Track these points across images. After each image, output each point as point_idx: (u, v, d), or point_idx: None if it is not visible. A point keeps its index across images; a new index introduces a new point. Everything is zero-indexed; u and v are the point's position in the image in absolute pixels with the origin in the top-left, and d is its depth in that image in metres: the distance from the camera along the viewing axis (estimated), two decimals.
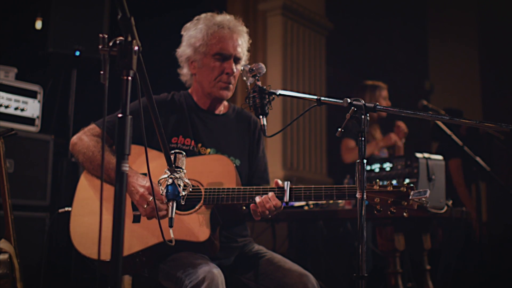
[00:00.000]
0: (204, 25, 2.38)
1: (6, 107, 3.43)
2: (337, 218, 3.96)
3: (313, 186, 2.14)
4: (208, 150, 2.39)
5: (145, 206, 2.10)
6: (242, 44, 2.41)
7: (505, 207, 5.37)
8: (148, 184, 2.12)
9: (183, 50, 2.43)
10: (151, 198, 2.09)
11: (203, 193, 2.17)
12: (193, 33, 2.40)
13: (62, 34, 3.69)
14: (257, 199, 2.12)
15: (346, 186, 2.12)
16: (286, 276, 2.19)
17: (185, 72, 2.48)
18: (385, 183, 2.07)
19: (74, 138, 2.33)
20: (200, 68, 2.40)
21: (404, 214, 1.99)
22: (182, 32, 2.46)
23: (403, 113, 1.94)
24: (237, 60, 2.40)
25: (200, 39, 2.36)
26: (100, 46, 1.36)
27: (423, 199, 1.96)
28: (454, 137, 4.00)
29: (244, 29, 2.45)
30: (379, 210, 2.02)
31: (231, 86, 2.41)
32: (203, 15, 2.44)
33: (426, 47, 8.32)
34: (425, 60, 8.31)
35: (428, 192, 1.95)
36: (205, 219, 2.14)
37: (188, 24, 2.45)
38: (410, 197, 1.98)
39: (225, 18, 2.41)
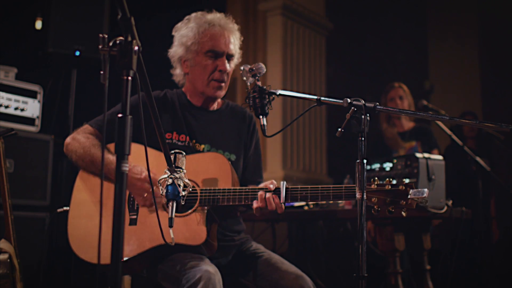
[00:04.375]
0: (195, 23, 2.38)
1: (6, 107, 3.43)
2: (337, 218, 3.96)
3: (309, 186, 2.12)
4: (202, 146, 2.38)
5: (145, 195, 2.10)
6: (234, 42, 2.41)
7: (505, 207, 5.37)
8: (144, 175, 2.12)
9: (175, 50, 2.43)
10: (146, 193, 2.10)
11: (198, 194, 2.17)
12: (184, 32, 2.39)
13: (62, 34, 3.69)
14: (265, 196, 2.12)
15: (344, 186, 2.09)
16: (283, 278, 2.19)
17: (177, 72, 2.48)
18: (383, 182, 2.02)
19: (68, 139, 2.32)
20: (193, 67, 2.40)
21: (403, 213, 1.95)
22: (173, 33, 2.46)
23: (403, 113, 1.94)
24: (229, 57, 2.39)
25: (192, 38, 2.36)
26: (100, 46, 1.36)
27: (422, 198, 1.94)
28: (454, 137, 3.99)
29: (235, 26, 2.44)
30: (377, 210, 1.97)
31: (223, 84, 2.40)
32: (193, 14, 2.43)
33: (426, 47, 8.32)
34: (425, 60, 8.30)
35: (427, 191, 1.92)
36: (202, 220, 2.14)
37: (179, 24, 2.45)
38: (409, 196, 1.95)
39: (215, 16, 2.41)
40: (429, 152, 3.87)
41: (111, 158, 2.19)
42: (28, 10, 4.19)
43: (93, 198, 2.25)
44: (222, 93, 2.42)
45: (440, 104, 5.71)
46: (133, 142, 2.18)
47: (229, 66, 2.40)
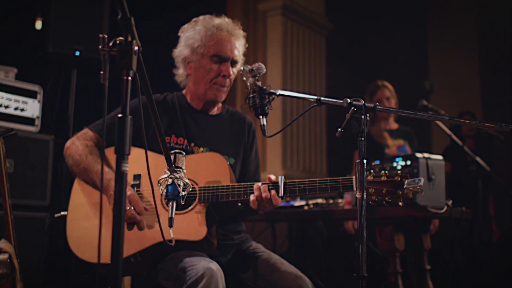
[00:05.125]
0: (202, 26, 2.38)
1: (6, 107, 3.43)
2: (337, 218, 3.96)
3: (307, 179, 2.13)
4: (201, 149, 2.38)
5: None
6: (239, 48, 2.42)
7: (505, 207, 5.37)
8: (129, 192, 2.09)
9: (180, 51, 2.43)
10: (128, 207, 2.07)
11: (197, 192, 2.17)
12: (191, 34, 2.40)
13: (62, 34, 3.68)
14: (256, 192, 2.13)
15: (341, 178, 2.09)
16: (282, 278, 2.19)
17: (180, 72, 2.48)
18: (379, 173, 2.04)
19: (68, 143, 2.32)
20: (197, 69, 2.40)
21: (400, 203, 1.98)
22: (180, 33, 2.46)
23: (403, 113, 1.94)
24: (233, 63, 2.40)
25: (198, 40, 2.37)
26: (100, 46, 1.36)
27: (418, 187, 1.95)
28: (454, 137, 3.99)
29: (242, 32, 2.45)
30: (374, 201, 2.00)
31: (225, 88, 2.41)
32: (201, 17, 2.44)
33: (426, 47, 8.32)
34: (425, 60, 8.30)
35: (422, 180, 1.93)
36: (201, 217, 2.14)
37: (186, 25, 2.45)
38: (405, 186, 1.96)
39: (223, 21, 2.41)
40: None
41: (105, 170, 2.16)
42: (28, 10, 4.19)
43: (90, 200, 2.25)
44: (223, 96, 2.43)
45: (440, 104, 5.71)
46: (132, 146, 2.19)
47: (233, 72, 2.41)
